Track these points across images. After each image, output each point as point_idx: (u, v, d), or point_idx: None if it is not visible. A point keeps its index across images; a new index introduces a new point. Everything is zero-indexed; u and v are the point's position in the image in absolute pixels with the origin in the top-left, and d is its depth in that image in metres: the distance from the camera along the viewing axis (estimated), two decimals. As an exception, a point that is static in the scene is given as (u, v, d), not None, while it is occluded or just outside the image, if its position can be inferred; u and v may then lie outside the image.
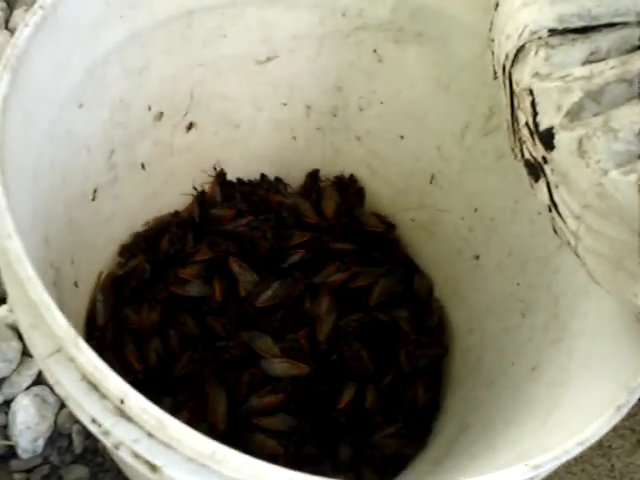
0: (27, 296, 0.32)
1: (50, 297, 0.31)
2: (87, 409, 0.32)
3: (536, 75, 0.36)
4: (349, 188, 0.73)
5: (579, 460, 0.62)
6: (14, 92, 0.39)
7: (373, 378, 0.63)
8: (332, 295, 0.65)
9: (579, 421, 0.36)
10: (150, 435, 0.31)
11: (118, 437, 0.32)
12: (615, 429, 0.38)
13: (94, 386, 0.32)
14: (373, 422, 0.61)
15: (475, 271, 0.66)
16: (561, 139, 0.35)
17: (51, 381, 0.34)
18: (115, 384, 0.30)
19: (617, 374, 0.39)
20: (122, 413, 0.31)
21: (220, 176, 0.71)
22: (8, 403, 0.66)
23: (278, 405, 0.58)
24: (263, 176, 0.73)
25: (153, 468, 0.32)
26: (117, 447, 0.33)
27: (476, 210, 0.66)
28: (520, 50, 0.38)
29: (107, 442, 0.33)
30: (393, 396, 0.63)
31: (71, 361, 0.32)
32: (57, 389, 0.34)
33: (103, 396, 0.32)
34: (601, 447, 0.62)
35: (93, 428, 0.33)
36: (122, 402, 0.29)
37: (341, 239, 0.70)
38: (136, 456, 0.32)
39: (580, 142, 0.33)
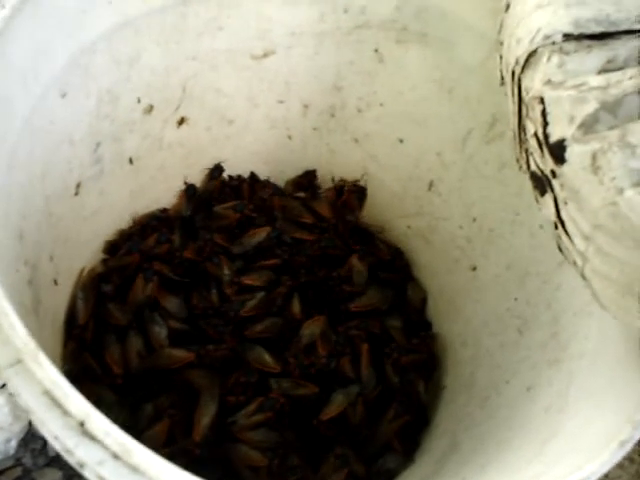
0: (-12, 301, 0.30)
1: (10, 305, 0.28)
2: (49, 426, 0.29)
3: (548, 82, 0.34)
4: (348, 193, 0.71)
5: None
6: (-13, 77, 0.36)
7: (369, 386, 0.60)
8: (326, 314, 0.63)
9: (579, 455, 0.34)
10: (116, 457, 0.29)
11: (81, 458, 0.29)
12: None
13: (57, 401, 0.29)
14: (360, 437, 0.59)
15: (472, 283, 0.64)
16: (573, 153, 0.32)
17: (13, 392, 0.32)
18: (76, 404, 0.27)
19: (619, 405, 0.37)
20: (86, 432, 0.29)
21: (216, 170, 0.68)
22: (-19, 402, 0.63)
23: (263, 422, 0.56)
24: (252, 174, 0.71)
25: (119, 493, 0.29)
26: (81, 467, 0.30)
27: (475, 220, 0.64)
28: (532, 55, 0.35)
29: (71, 461, 0.30)
30: (379, 410, 0.61)
31: (33, 374, 0.29)
32: (19, 401, 0.31)
33: (66, 412, 0.29)
34: (598, 476, 0.60)
35: (56, 445, 0.31)
36: (82, 425, 0.27)
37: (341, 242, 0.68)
38: (101, 479, 0.30)
39: (594, 157, 0.31)
